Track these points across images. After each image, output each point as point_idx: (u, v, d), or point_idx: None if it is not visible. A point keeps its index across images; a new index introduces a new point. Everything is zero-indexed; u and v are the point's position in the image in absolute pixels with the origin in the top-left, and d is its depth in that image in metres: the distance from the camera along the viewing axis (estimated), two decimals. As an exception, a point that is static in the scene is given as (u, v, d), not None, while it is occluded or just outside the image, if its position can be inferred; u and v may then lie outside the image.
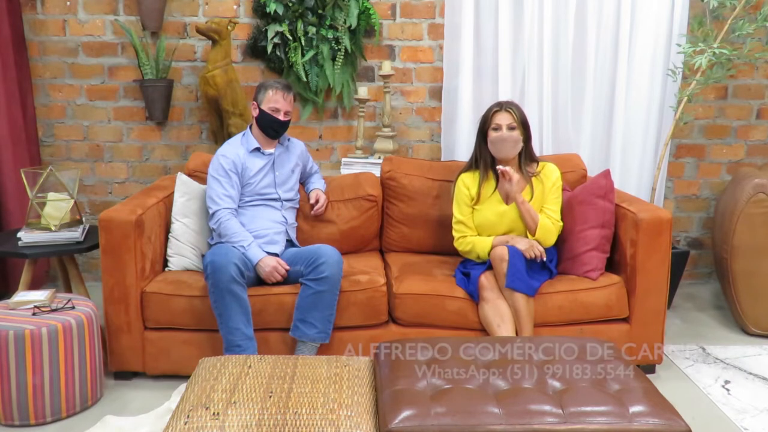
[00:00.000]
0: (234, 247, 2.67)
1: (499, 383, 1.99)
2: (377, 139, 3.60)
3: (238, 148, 2.88)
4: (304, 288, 2.63)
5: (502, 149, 2.78)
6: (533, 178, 2.83)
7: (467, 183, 2.87)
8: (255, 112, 2.88)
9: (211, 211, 2.80)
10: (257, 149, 2.90)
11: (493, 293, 2.66)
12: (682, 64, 3.44)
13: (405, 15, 3.66)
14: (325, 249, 2.69)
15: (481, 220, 2.84)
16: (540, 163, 2.88)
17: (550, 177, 2.83)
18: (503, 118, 2.77)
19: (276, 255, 2.79)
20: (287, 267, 2.72)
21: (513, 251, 2.64)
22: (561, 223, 2.83)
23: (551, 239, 2.80)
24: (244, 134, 2.95)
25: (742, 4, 3.28)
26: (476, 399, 1.89)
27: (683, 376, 2.84)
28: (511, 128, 2.76)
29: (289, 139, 3.03)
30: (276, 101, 2.84)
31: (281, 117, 2.85)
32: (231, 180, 2.82)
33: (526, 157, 2.84)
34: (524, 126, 2.80)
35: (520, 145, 2.80)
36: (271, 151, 2.94)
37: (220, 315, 2.56)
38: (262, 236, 2.81)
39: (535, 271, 2.72)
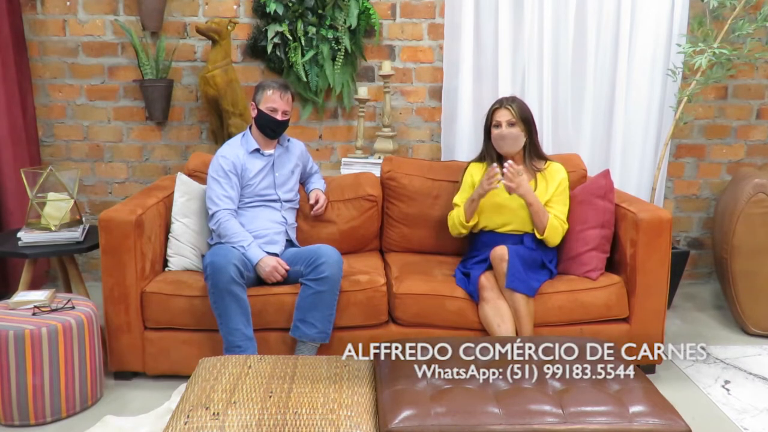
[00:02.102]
0: (234, 247, 2.67)
1: (499, 383, 1.99)
2: (377, 139, 3.60)
3: (238, 149, 2.88)
4: (304, 288, 2.63)
5: (503, 146, 2.84)
6: (538, 174, 2.85)
7: (473, 171, 2.96)
8: (253, 113, 2.88)
9: (210, 212, 2.80)
10: (257, 150, 2.90)
11: (493, 293, 2.66)
12: (682, 64, 3.44)
13: (405, 15, 3.66)
14: (325, 249, 2.69)
15: (481, 209, 2.87)
16: (547, 162, 2.89)
17: (555, 177, 2.85)
18: (502, 115, 2.82)
19: (276, 255, 2.79)
20: (287, 267, 2.72)
21: (513, 251, 2.64)
22: (567, 225, 2.84)
23: (557, 239, 2.82)
24: (243, 135, 2.95)
25: (742, 4, 3.28)
26: (476, 399, 1.90)
27: (683, 376, 2.84)
28: (510, 125, 2.81)
29: (288, 140, 3.03)
30: (273, 101, 2.83)
31: (279, 117, 2.85)
32: (230, 181, 2.82)
33: (531, 151, 2.87)
34: (525, 121, 2.83)
35: (522, 140, 2.83)
36: (271, 152, 2.93)
37: (220, 315, 2.56)
38: (261, 236, 2.81)
39: (534, 272, 2.73)
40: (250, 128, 2.95)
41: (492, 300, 2.65)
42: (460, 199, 2.96)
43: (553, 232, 2.78)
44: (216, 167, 2.83)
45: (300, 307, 2.62)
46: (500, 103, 2.86)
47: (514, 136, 2.81)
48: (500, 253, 2.66)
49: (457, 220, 2.90)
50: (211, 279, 2.54)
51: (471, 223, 2.88)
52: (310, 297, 2.60)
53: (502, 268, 2.63)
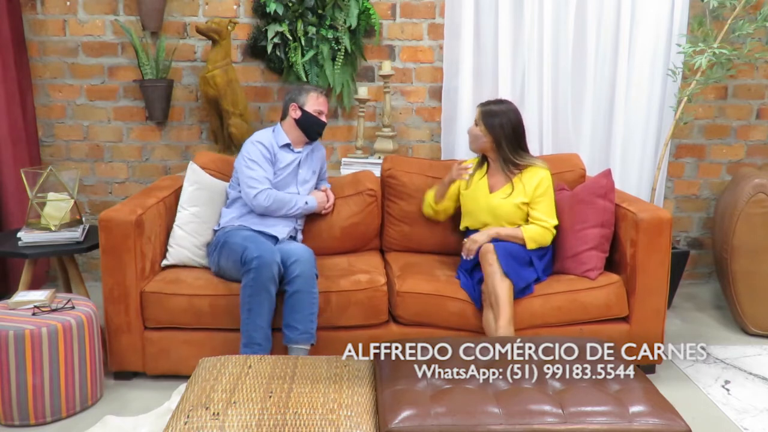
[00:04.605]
0: (270, 237, 2.78)
1: (499, 383, 1.99)
2: (377, 139, 3.60)
3: (271, 140, 2.93)
4: (284, 293, 2.61)
5: (469, 141, 2.96)
6: (514, 178, 2.85)
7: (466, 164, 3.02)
8: (296, 114, 2.92)
9: (254, 192, 2.80)
10: (287, 145, 2.94)
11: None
12: (682, 64, 3.44)
13: (405, 15, 3.66)
14: (295, 248, 2.68)
15: (466, 205, 2.94)
16: (527, 167, 2.86)
17: (533, 178, 2.83)
18: (475, 114, 2.92)
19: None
20: (323, 191, 3.05)
21: (499, 246, 2.67)
22: (549, 223, 2.81)
23: (544, 240, 2.81)
24: (273, 130, 2.98)
25: (742, 4, 3.28)
26: (476, 399, 1.90)
27: (683, 376, 2.84)
28: (475, 124, 2.90)
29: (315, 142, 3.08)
30: (321, 104, 2.95)
31: (324, 119, 2.96)
32: (269, 166, 2.87)
33: (503, 158, 2.86)
34: (489, 126, 2.83)
35: (482, 140, 2.86)
36: (300, 149, 2.98)
37: (250, 310, 2.53)
38: (270, 226, 2.84)
39: (522, 267, 2.72)
40: (281, 125, 2.98)
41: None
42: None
43: (536, 239, 2.78)
44: (255, 152, 2.86)
45: (284, 314, 2.60)
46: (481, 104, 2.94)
47: (473, 135, 2.90)
48: (486, 247, 2.68)
49: (428, 198, 3.04)
50: (255, 272, 2.52)
51: (440, 207, 3.01)
52: (288, 300, 2.58)
53: (488, 259, 2.64)
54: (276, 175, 2.90)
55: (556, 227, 2.84)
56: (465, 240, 2.81)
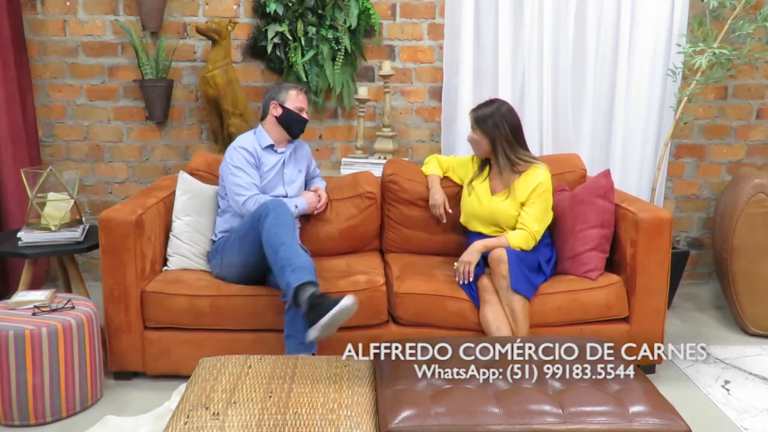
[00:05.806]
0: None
1: (499, 383, 1.99)
2: (377, 139, 3.60)
3: (254, 143, 2.92)
4: (284, 304, 2.55)
5: (473, 150, 2.97)
6: (515, 181, 2.82)
7: (464, 163, 3.08)
8: (277, 111, 2.92)
9: (243, 199, 2.78)
10: (271, 146, 2.93)
11: (494, 296, 2.66)
12: (682, 64, 3.44)
13: (405, 15, 3.66)
14: None
15: (468, 207, 2.93)
16: (527, 170, 2.83)
17: (528, 185, 2.80)
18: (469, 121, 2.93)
19: None
20: (313, 191, 3.02)
21: (512, 253, 2.66)
22: (532, 228, 2.77)
23: (527, 245, 2.77)
24: (255, 131, 2.97)
25: (742, 4, 3.28)
26: (476, 399, 1.90)
27: (683, 376, 2.84)
28: (472, 129, 2.88)
29: (297, 139, 3.06)
30: (301, 101, 2.95)
31: (305, 116, 2.97)
32: (254, 171, 2.86)
33: (500, 157, 2.83)
34: (485, 130, 2.82)
35: (483, 144, 2.85)
36: (283, 149, 2.98)
37: (283, 244, 2.49)
38: None
39: (533, 273, 2.72)
40: (262, 125, 2.97)
41: (494, 303, 2.65)
42: (443, 159, 3.17)
43: (520, 245, 2.75)
44: (239, 158, 2.84)
45: (285, 325, 2.56)
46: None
47: (474, 141, 2.89)
48: (499, 254, 2.66)
49: (429, 164, 3.16)
50: (274, 212, 2.55)
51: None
52: (289, 311, 2.53)
53: (501, 270, 2.63)
54: (262, 178, 2.89)
55: (547, 233, 2.86)
56: (455, 264, 2.77)
